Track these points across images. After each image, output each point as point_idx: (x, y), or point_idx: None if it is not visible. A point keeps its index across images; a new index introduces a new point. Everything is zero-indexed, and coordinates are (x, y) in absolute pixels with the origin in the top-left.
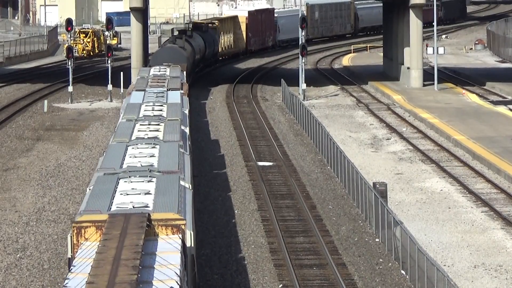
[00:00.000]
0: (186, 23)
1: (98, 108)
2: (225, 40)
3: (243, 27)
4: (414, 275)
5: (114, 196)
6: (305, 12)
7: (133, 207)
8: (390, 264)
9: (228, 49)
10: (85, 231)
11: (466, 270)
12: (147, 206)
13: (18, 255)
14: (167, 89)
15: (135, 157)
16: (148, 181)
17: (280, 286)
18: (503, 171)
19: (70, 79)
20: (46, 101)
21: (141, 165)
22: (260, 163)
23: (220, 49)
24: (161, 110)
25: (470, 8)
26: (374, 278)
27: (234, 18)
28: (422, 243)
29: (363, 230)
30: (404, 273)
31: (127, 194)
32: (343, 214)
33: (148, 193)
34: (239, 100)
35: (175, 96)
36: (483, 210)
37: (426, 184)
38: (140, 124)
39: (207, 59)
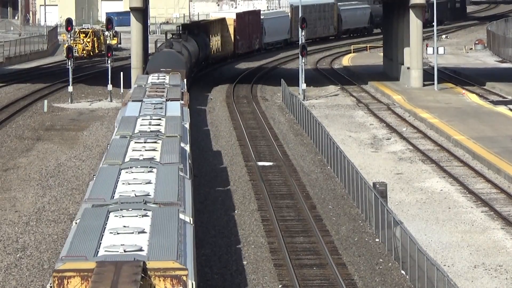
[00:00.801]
0: (178, 26)
1: (98, 108)
2: (214, 43)
3: (231, 29)
4: (414, 275)
5: (102, 236)
6: (289, 14)
7: (125, 251)
8: (390, 264)
9: (217, 53)
10: (68, 282)
11: (466, 270)
12: (141, 250)
13: (18, 255)
14: (166, 99)
15: (129, 184)
16: (143, 216)
17: (280, 287)
18: (503, 171)
19: (70, 79)
20: (46, 101)
21: (135, 195)
22: (260, 163)
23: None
24: (159, 125)
25: (470, 8)
26: (374, 278)
27: (222, 21)
28: (422, 243)
29: (363, 230)
30: (404, 273)
31: (118, 233)
32: (343, 214)
33: (142, 231)
34: (239, 100)
35: (174, 108)
36: (483, 210)
37: (426, 184)
38: (135, 142)
39: (200, 63)
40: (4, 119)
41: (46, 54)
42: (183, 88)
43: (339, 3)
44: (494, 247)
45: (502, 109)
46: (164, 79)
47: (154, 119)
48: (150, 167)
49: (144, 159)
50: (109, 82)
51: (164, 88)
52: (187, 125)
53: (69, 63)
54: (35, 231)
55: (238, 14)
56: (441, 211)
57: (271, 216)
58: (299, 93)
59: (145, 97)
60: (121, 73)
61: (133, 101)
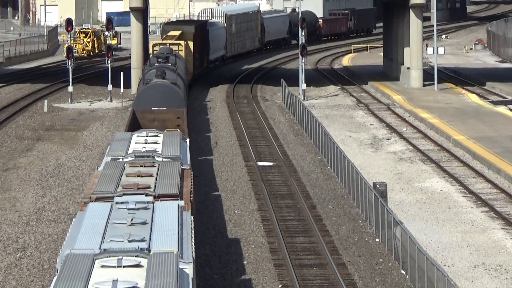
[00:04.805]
0: (153, 45)
1: (98, 108)
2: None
3: (191, 45)
4: (414, 275)
5: None
6: (225, 25)
7: None
8: (390, 264)
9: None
10: None
11: (466, 270)
12: None
13: (18, 255)
14: (154, 197)
15: None
16: None
17: (280, 286)
18: (503, 171)
19: (70, 79)
20: (46, 101)
21: None
22: (260, 163)
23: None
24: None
25: (470, 8)
26: (374, 278)
27: (181, 35)
28: (422, 243)
29: (363, 230)
30: (404, 273)
31: None
32: (343, 214)
33: None
34: (239, 100)
35: (167, 224)
36: (483, 210)
37: (426, 184)
38: None
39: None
40: (4, 119)
41: (46, 54)
42: (185, 160)
43: (262, 11)
44: (494, 247)
45: (502, 109)
46: (156, 142)
47: (126, 266)
48: None
49: None
50: (109, 82)
51: (152, 166)
52: (189, 270)
53: (69, 63)
54: (35, 231)
55: (196, 26)
56: (441, 211)
57: (271, 216)
58: (299, 93)
59: (119, 188)
60: (121, 73)
61: (97, 198)
